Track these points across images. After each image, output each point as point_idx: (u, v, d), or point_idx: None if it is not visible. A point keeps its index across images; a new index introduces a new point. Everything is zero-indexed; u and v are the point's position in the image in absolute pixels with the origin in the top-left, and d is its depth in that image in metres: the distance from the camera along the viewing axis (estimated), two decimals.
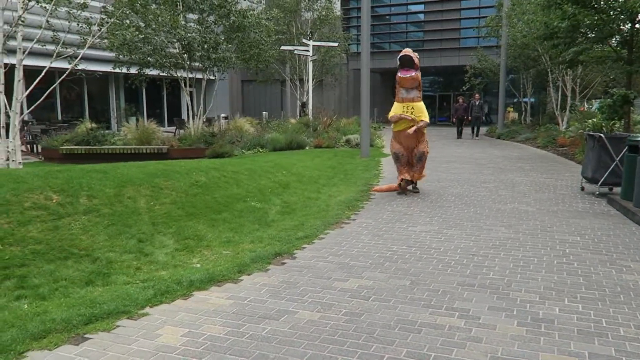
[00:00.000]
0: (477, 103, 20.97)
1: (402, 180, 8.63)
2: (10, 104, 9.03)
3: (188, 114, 17.52)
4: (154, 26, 14.61)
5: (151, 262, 5.00)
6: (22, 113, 9.40)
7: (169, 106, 27.42)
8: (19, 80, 8.88)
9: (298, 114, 24.62)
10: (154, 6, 14.50)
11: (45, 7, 9.33)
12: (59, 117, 21.22)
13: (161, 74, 16.69)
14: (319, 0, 27.15)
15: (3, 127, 8.78)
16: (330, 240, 5.75)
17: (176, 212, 6.19)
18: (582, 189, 8.83)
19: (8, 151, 8.83)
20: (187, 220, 6.11)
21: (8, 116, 9.01)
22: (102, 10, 10.56)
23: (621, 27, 12.28)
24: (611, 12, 12.13)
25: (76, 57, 9.93)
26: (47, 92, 9.60)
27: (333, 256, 5.17)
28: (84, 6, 9.81)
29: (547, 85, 22.34)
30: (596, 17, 11.78)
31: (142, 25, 14.64)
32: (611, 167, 8.02)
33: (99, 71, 15.43)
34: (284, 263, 4.96)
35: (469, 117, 21.07)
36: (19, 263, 4.50)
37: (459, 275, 4.58)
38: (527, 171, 11.21)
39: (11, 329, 3.42)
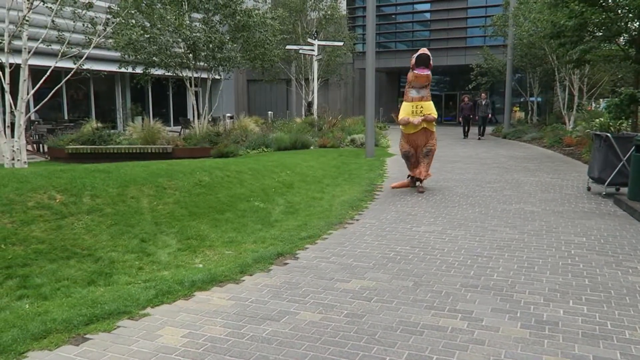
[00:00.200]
0: (483, 102, 20.76)
1: (410, 177, 9.00)
2: (15, 104, 9.06)
3: (193, 113, 17.54)
4: (159, 26, 14.64)
5: (153, 262, 4.99)
6: (27, 113, 9.43)
7: (174, 106, 27.48)
8: (24, 80, 8.91)
9: (303, 113, 24.58)
10: (159, 6, 14.51)
11: (50, 7, 9.35)
12: (66, 117, 21.32)
13: (166, 73, 16.73)
14: (325, 0, 27.10)
15: (8, 126, 8.82)
16: (333, 241, 5.72)
17: (179, 212, 6.18)
18: (589, 189, 8.75)
19: (13, 151, 8.87)
20: (190, 220, 6.10)
21: (14, 115, 9.05)
22: (108, 10, 10.57)
23: (629, 25, 12.16)
24: (619, 11, 12.02)
25: (81, 57, 9.95)
26: (53, 91, 9.64)
27: (336, 257, 5.14)
28: (89, 6, 9.83)
29: (554, 85, 22.21)
30: (604, 15, 11.66)
31: (148, 25, 14.67)
32: (618, 167, 7.94)
33: (104, 71, 15.47)
34: (286, 263, 4.94)
35: (476, 117, 20.88)
36: (22, 263, 4.50)
37: (463, 276, 4.54)
38: (532, 171, 11.13)
39: (12, 329, 3.42)
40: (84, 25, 10.21)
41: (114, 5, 10.67)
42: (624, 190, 8.00)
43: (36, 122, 17.55)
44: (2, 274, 4.29)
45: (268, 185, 8.16)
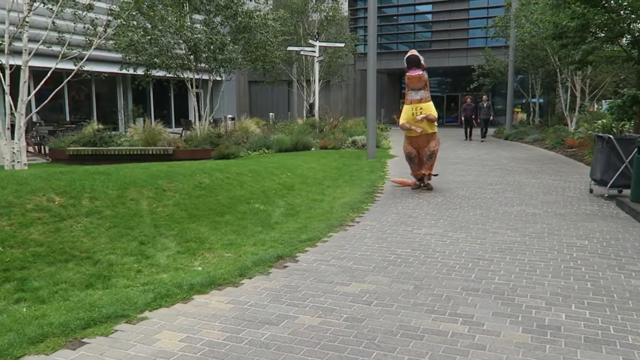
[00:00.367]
0: (485, 104, 20.58)
1: (418, 177, 9.11)
2: (16, 105, 9.05)
3: (195, 115, 17.53)
4: (160, 27, 14.63)
5: (152, 265, 4.96)
6: (27, 114, 9.41)
7: (176, 107, 27.49)
8: (25, 82, 8.90)
9: (305, 115, 24.55)
10: (160, 7, 14.51)
11: (51, 9, 9.34)
12: (67, 118, 21.33)
13: (167, 75, 16.72)
14: (326, 1, 27.08)
15: (8, 128, 8.81)
16: (334, 243, 5.69)
17: (179, 214, 6.16)
18: (591, 191, 8.70)
19: (13, 152, 8.85)
20: (190, 222, 6.07)
21: (14, 117, 9.04)
22: (109, 12, 10.56)
23: (632, 26, 12.10)
24: (621, 12, 11.97)
25: (82, 59, 9.94)
26: (53, 93, 9.63)
27: (336, 259, 5.11)
28: (89, 7, 9.81)
29: (556, 86, 22.14)
30: (606, 16, 11.62)
31: (149, 26, 14.67)
32: (620, 169, 7.89)
33: (105, 72, 15.46)
34: (286, 266, 4.91)
35: (477, 119, 20.67)
36: (20, 265, 4.48)
37: (464, 279, 4.50)
38: (534, 173, 11.08)
39: (9, 333, 3.39)
40: (84, 26, 10.20)
41: (114, 6, 10.64)
42: (627, 192, 7.94)
43: (37, 124, 17.55)
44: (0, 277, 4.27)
45: (268, 187, 8.13)
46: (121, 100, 24.16)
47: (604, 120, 14.07)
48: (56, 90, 9.67)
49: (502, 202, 7.92)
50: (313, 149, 15.07)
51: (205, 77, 16.98)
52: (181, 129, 21.14)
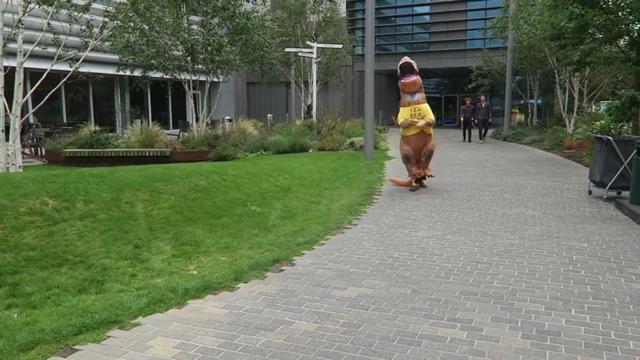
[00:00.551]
0: (483, 105, 20.44)
1: (415, 178, 9.19)
2: (10, 107, 8.98)
3: (193, 116, 17.47)
4: (157, 29, 14.57)
5: (147, 269, 4.90)
6: (22, 116, 9.33)
7: (174, 108, 27.42)
8: (19, 84, 8.83)
9: (302, 116, 24.47)
10: (157, 8, 14.44)
11: (46, 10, 9.27)
12: (65, 120, 21.25)
13: (165, 76, 16.66)
14: (324, 2, 27.04)
15: (2, 130, 8.73)
16: (331, 246, 5.63)
17: (174, 217, 6.09)
18: (590, 192, 8.66)
19: (8, 155, 8.78)
20: (186, 225, 6.01)
21: (9, 118, 8.96)
22: (105, 13, 10.48)
23: (630, 27, 12.07)
24: (620, 13, 11.94)
25: (78, 60, 9.87)
26: (49, 94, 9.56)
27: (333, 263, 5.05)
28: (85, 9, 9.74)
29: (554, 87, 22.13)
30: (604, 17, 11.59)
31: (146, 27, 14.61)
32: (620, 171, 7.85)
33: (100, 74, 15.38)
34: (282, 270, 4.85)
35: (475, 120, 20.49)
36: (12, 270, 4.41)
37: (462, 283, 4.44)
38: (533, 174, 11.04)
39: None
40: (80, 28, 10.12)
41: (110, 7, 10.57)
42: (626, 194, 7.91)
43: (34, 125, 17.47)
44: None
45: (265, 189, 8.07)
46: (119, 101, 24.09)
47: (602, 122, 14.05)
48: (51, 91, 9.61)
49: (501, 204, 7.87)
50: (311, 151, 15.01)
51: (203, 78, 16.92)
52: (179, 130, 21.07)
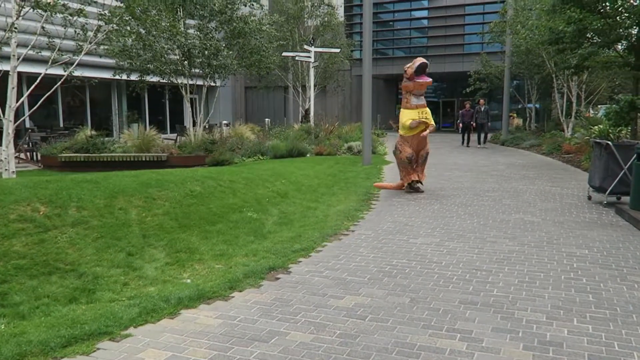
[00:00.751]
0: (482, 109, 20.22)
1: (412, 181, 9.28)
2: (4, 112, 8.88)
3: (190, 120, 17.36)
4: (154, 32, 14.49)
5: (140, 277, 4.80)
6: (16, 121, 9.23)
7: (171, 113, 27.31)
8: (13, 88, 8.73)
9: (300, 120, 24.36)
10: (154, 12, 14.36)
11: (40, 14, 9.18)
12: (61, 124, 21.11)
13: (162, 80, 16.57)
14: (322, 7, 27.01)
15: None
16: (328, 253, 5.54)
17: (169, 224, 5.99)
18: (589, 198, 8.58)
19: (1, 160, 8.67)
20: (180, 232, 5.91)
21: (2, 123, 8.85)
22: (99, 17, 10.39)
23: (629, 31, 12.03)
24: (617, 17, 11.91)
25: (72, 64, 9.77)
26: (43, 98, 9.46)
27: (329, 271, 4.95)
28: (80, 12, 9.64)
29: (552, 91, 22.10)
30: (602, 22, 11.56)
31: (143, 32, 14.52)
32: (619, 176, 7.78)
33: (95, 78, 15.29)
34: (277, 278, 4.75)
35: (474, 124, 20.31)
36: (0, 279, 4.31)
37: (461, 292, 4.35)
38: (532, 179, 10.97)
39: None
40: (74, 31, 10.03)
41: (105, 11, 10.47)
42: (626, 199, 7.83)
43: (30, 130, 17.35)
44: None
45: (262, 194, 7.97)
46: (116, 106, 23.97)
47: (601, 126, 14.01)
48: (46, 96, 9.49)
49: (500, 210, 7.79)
50: (308, 155, 14.93)
51: (200, 82, 16.83)
52: (176, 135, 20.97)
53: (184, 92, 16.30)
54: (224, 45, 16.01)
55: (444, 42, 32.40)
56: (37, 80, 9.13)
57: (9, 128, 8.77)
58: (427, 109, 9.12)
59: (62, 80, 9.72)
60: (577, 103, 19.92)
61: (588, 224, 6.84)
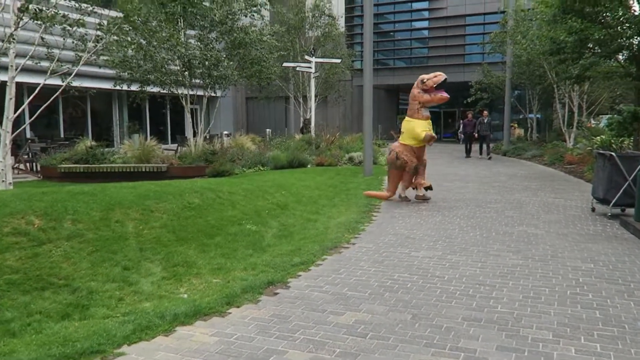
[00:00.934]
0: (485, 120, 19.96)
1: (422, 189, 9.61)
2: (1, 123, 8.81)
3: (191, 131, 17.31)
4: (155, 43, 14.48)
5: (135, 292, 4.69)
6: (14, 132, 9.15)
7: (172, 123, 27.29)
8: (10, 99, 8.67)
9: (300, 131, 24.26)
10: (154, 23, 14.36)
11: (39, 24, 9.13)
12: (62, 135, 21.08)
13: (162, 91, 16.54)
14: (323, 17, 27.08)
15: None
16: (328, 267, 5.43)
17: (166, 237, 5.89)
18: (593, 209, 8.47)
19: None
20: (178, 245, 5.81)
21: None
22: (98, 27, 10.35)
23: (631, 41, 11.99)
24: (619, 28, 11.87)
25: (71, 74, 9.72)
26: (40, 109, 9.40)
27: (329, 285, 4.84)
28: (80, 24, 9.60)
29: (554, 102, 22.05)
30: (603, 32, 11.52)
31: (144, 42, 14.51)
32: (624, 188, 7.67)
33: (95, 88, 15.25)
34: (276, 293, 4.64)
35: (476, 135, 20.07)
36: None
37: (465, 308, 4.23)
38: (534, 190, 10.86)
39: None
40: (73, 42, 9.99)
41: (104, 21, 10.43)
42: (630, 211, 7.72)
43: (30, 140, 17.31)
44: None
45: (261, 206, 7.87)
46: (117, 116, 23.96)
47: (603, 137, 13.92)
48: (44, 106, 9.42)
49: (503, 222, 7.68)
50: (309, 166, 14.84)
51: (201, 93, 16.80)
52: (176, 145, 20.92)
53: (184, 103, 16.27)
54: (224, 55, 15.99)
55: (444, 53, 32.46)
56: (36, 91, 9.07)
57: (7, 139, 8.70)
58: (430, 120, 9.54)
59: (60, 90, 9.66)
60: (579, 113, 19.86)
61: (593, 237, 6.73)
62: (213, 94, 17.21)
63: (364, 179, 12.31)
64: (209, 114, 22.81)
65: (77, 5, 9.91)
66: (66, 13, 9.65)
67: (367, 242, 6.53)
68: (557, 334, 3.71)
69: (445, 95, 9.19)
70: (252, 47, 16.27)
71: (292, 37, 26.41)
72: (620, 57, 13.40)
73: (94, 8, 10.14)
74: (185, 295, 4.65)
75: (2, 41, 8.70)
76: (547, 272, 5.21)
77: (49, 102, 9.61)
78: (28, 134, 18.07)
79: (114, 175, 13.77)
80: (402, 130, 9.76)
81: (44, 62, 9.69)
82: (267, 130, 27.04)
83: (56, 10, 9.32)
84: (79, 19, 9.56)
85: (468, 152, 20.25)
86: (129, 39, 13.59)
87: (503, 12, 22.94)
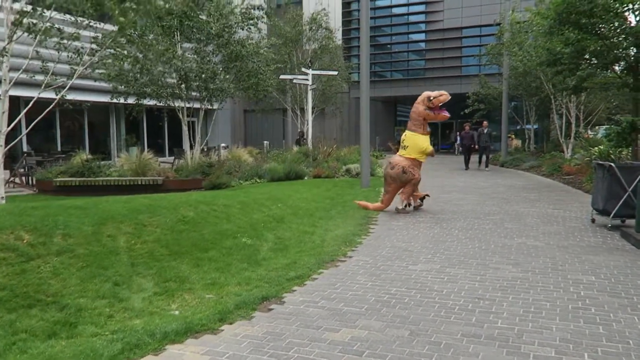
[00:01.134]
0: (485, 131, 19.81)
1: (417, 200, 9.90)
2: None
3: (188, 143, 17.24)
4: (151, 56, 14.46)
5: (125, 309, 4.57)
6: (7, 145, 9.06)
7: (169, 136, 27.25)
8: (3, 112, 8.59)
9: (297, 143, 24.20)
10: (151, 36, 14.35)
11: (33, 38, 9.08)
12: (59, 148, 20.99)
13: (159, 104, 16.50)
14: (320, 30, 27.20)
15: None
16: (324, 281, 5.31)
17: (159, 251, 5.78)
18: (593, 221, 8.37)
19: None
20: (171, 260, 5.69)
21: None
22: (93, 40, 10.31)
23: (628, 52, 11.99)
24: (615, 39, 11.88)
25: (64, 88, 9.65)
26: (34, 122, 9.31)
27: (325, 300, 4.72)
28: (74, 37, 9.56)
29: (551, 112, 22.06)
30: (600, 43, 11.52)
31: (140, 56, 14.49)
32: (623, 199, 7.58)
33: (89, 101, 15.20)
34: (270, 309, 4.51)
35: (476, 146, 19.94)
36: None
37: (464, 323, 4.12)
38: (533, 201, 10.77)
39: None
40: (68, 55, 9.94)
41: (99, 34, 10.40)
42: (630, 222, 7.62)
43: (26, 154, 17.22)
44: None
45: (257, 219, 7.77)
46: (114, 129, 23.91)
47: (602, 147, 13.88)
48: (37, 119, 9.33)
49: (502, 234, 7.57)
50: (306, 178, 14.75)
51: (197, 105, 16.76)
52: (173, 158, 20.84)
53: (181, 116, 16.21)
54: (221, 68, 15.97)
55: (441, 65, 32.62)
56: (29, 105, 9.00)
57: (0, 153, 8.61)
58: None
59: (54, 103, 9.59)
60: (576, 124, 19.85)
61: (593, 249, 6.63)
62: (210, 107, 17.17)
63: (361, 191, 12.22)
64: (206, 126, 22.75)
65: (72, 19, 9.88)
66: (61, 27, 9.61)
67: (364, 255, 6.42)
68: (559, 350, 3.60)
69: (447, 114, 9.70)
70: (248, 60, 16.28)
71: (289, 50, 26.49)
72: (617, 68, 13.41)
73: (90, 22, 10.11)
74: (177, 312, 4.52)
75: None
76: (548, 285, 5.10)
77: (42, 115, 9.52)
78: (25, 147, 17.98)
79: (110, 189, 13.66)
80: (404, 144, 9.72)
81: (39, 76, 9.62)
82: (265, 142, 27.02)
83: (51, 24, 9.28)
84: (74, 33, 9.51)
85: (467, 164, 20.11)
86: (125, 52, 13.57)
87: (499, 24, 23.05)
